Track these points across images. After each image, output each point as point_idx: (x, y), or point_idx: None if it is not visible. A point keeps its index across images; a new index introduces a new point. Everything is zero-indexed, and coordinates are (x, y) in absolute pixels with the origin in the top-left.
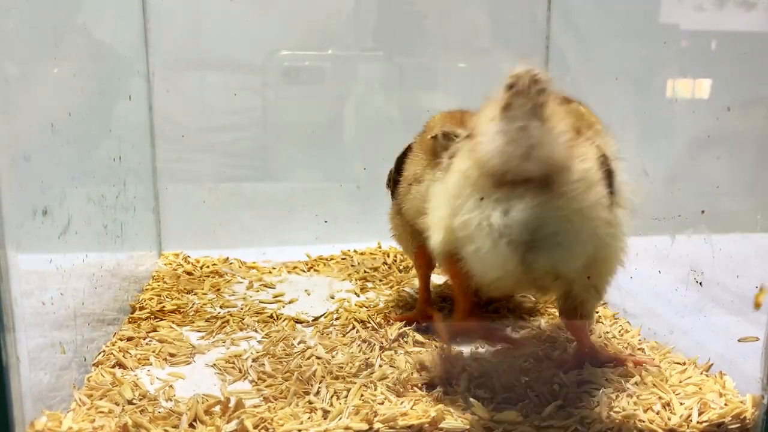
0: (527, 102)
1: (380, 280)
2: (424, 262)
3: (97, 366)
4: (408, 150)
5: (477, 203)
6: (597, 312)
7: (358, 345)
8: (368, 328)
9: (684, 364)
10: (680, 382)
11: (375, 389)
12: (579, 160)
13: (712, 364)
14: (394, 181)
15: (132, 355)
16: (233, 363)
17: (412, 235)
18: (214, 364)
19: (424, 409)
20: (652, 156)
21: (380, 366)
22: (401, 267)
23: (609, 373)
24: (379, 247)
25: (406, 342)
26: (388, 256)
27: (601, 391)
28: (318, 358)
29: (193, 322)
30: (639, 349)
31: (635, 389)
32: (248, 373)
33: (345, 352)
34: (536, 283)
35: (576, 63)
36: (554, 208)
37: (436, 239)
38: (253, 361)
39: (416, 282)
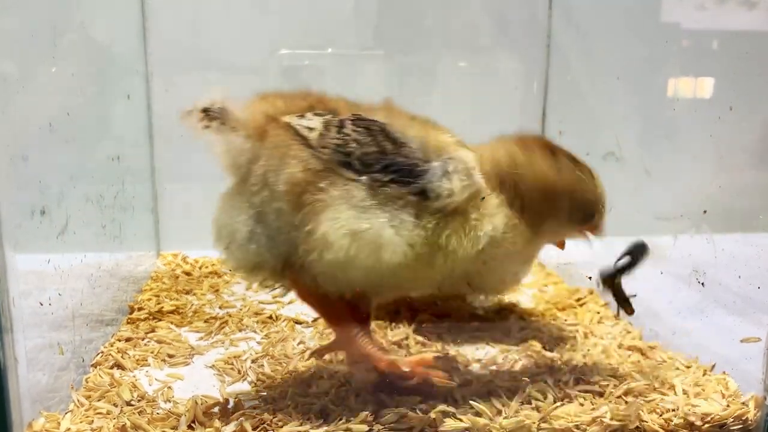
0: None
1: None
2: None
3: (96, 367)
4: None
5: None
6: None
7: None
8: None
9: (687, 365)
10: (682, 383)
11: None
12: (261, 163)
13: (714, 365)
14: None
15: (130, 356)
16: (232, 364)
17: None
18: (213, 365)
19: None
20: (654, 155)
21: None
22: None
23: (611, 375)
24: None
25: (407, 344)
26: None
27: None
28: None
29: (192, 323)
30: (639, 349)
31: (637, 390)
32: (247, 374)
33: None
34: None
35: (577, 62)
36: (241, 203)
37: None
38: (253, 362)
39: None
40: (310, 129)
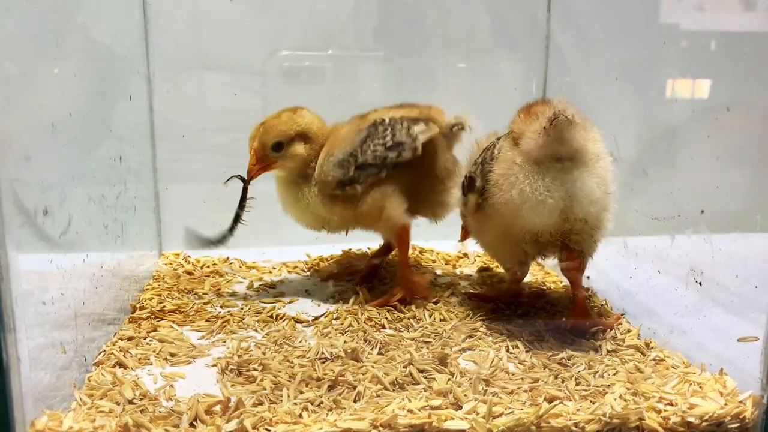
0: (563, 122)
1: (380, 281)
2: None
3: (98, 366)
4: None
5: (527, 178)
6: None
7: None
8: (369, 326)
9: (685, 364)
10: (680, 381)
11: (377, 387)
12: (591, 143)
13: (711, 364)
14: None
15: (132, 355)
16: (234, 363)
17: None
18: (215, 364)
19: (423, 406)
20: (653, 155)
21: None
22: None
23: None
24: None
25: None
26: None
27: (601, 390)
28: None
29: (194, 322)
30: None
31: (636, 389)
32: (248, 373)
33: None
34: (563, 229)
35: (576, 63)
36: (578, 175)
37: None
38: (253, 361)
39: None
40: None
